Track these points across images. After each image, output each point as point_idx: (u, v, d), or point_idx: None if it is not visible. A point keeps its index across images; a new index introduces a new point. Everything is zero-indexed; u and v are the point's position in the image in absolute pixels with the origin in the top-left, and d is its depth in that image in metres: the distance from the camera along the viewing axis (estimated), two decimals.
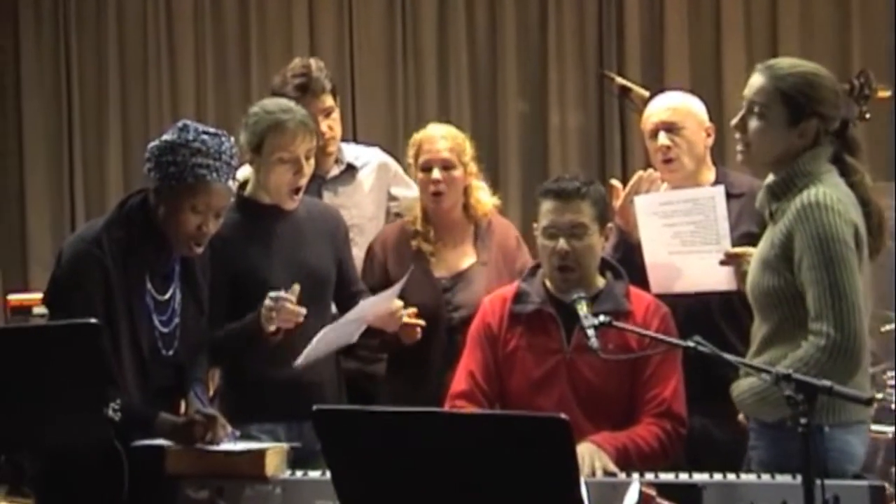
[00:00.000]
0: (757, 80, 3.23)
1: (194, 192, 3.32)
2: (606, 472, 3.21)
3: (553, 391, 3.48)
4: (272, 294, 3.53)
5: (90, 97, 6.68)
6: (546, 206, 3.54)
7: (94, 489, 3.24)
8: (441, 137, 4.07)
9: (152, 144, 3.38)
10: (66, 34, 6.71)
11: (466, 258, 4.05)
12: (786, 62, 3.27)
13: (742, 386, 3.19)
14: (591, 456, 3.26)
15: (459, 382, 3.61)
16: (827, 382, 2.74)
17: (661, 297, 3.68)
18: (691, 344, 3.04)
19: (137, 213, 3.40)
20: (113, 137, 6.64)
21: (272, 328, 3.56)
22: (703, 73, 6.17)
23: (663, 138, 3.92)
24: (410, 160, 4.11)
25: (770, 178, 3.25)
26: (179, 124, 3.40)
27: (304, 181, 3.75)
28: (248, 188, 3.82)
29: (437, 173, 4.01)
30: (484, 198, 4.08)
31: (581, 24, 6.31)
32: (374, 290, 3.93)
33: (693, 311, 3.69)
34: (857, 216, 3.13)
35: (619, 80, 5.22)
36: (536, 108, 6.39)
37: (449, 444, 2.60)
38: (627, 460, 3.33)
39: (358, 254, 4.26)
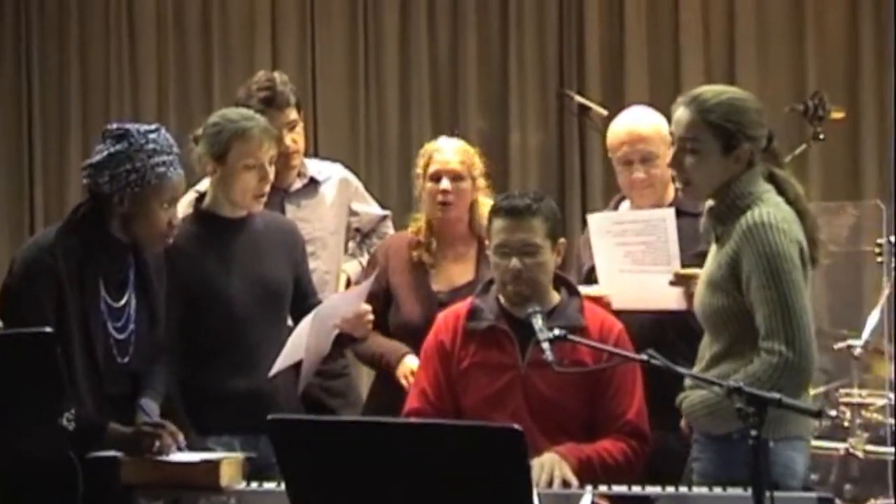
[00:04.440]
0: (683, 114, 3.27)
1: (160, 191, 3.37)
2: (564, 483, 3.23)
3: (508, 407, 3.49)
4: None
5: (51, 110, 6.70)
6: (497, 224, 3.55)
7: (49, 499, 3.22)
8: (452, 149, 4.12)
9: (96, 160, 3.39)
10: (27, 45, 6.74)
11: (467, 274, 4.07)
12: (708, 92, 3.31)
13: (693, 398, 3.24)
14: (552, 465, 3.28)
15: (412, 400, 3.63)
16: (776, 395, 2.80)
17: (619, 313, 3.72)
18: (644, 357, 3.10)
19: (91, 220, 3.41)
20: (73, 152, 6.64)
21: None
22: (662, 92, 6.19)
23: (639, 172, 3.92)
24: (419, 170, 4.12)
25: (710, 202, 3.30)
26: (116, 131, 3.41)
27: (267, 187, 3.78)
28: (206, 200, 3.83)
29: (445, 183, 4.04)
30: None
31: (541, 43, 6.35)
32: (376, 298, 3.98)
33: (647, 327, 3.72)
34: (800, 234, 3.20)
35: (578, 98, 5.27)
36: (497, 127, 6.42)
37: (403, 453, 2.62)
38: (592, 472, 3.35)
39: (320, 266, 4.31)
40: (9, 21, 6.75)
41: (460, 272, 4.07)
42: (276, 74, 4.38)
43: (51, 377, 2.93)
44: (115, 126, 3.45)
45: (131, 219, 3.38)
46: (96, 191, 3.39)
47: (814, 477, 5.04)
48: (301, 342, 3.60)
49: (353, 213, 4.57)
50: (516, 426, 2.56)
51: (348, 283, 4.44)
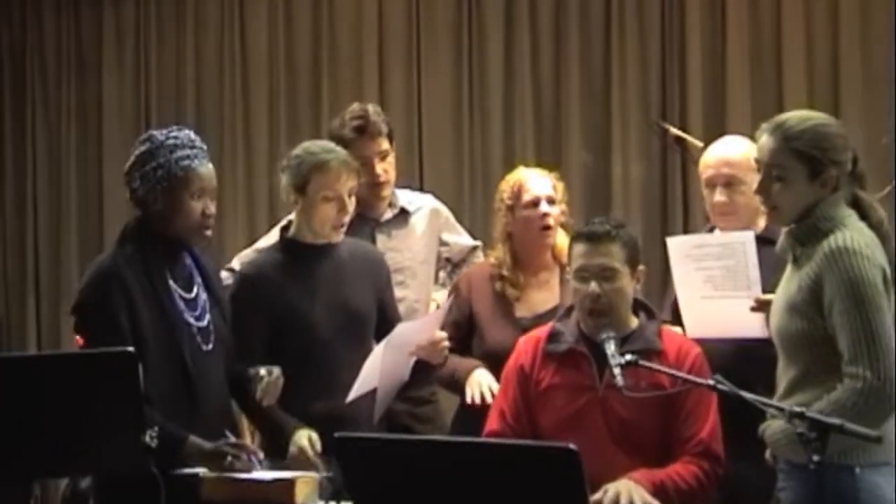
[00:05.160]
0: (768, 142, 3.28)
1: (187, 182, 3.52)
2: None
3: (586, 428, 3.52)
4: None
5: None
6: (577, 249, 3.61)
7: None
8: (542, 175, 4.21)
9: (127, 166, 3.58)
10: (146, 88, 6.94)
11: (550, 301, 4.11)
12: (794, 118, 3.31)
13: (774, 427, 3.22)
14: (629, 491, 3.32)
15: (491, 422, 3.68)
16: (837, 420, 2.80)
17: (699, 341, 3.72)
18: (711, 382, 3.12)
19: (141, 229, 3.56)
20: None
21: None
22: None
23: (720, 195, 3.92)
24: (509, 201, 4.15)
25: (791, 224, 3.29)
26: (143, 138, 3.60)
27: (347, 218, 3.88)
28: (292, 229, 3.95)
29: (545, 207, 4.10)
30: None
31: (644, 74, 6.34)
32: (458, 326, 4.08)
33: (728, 354, 3.70)
34: (882, 259, 3.18)
35: (673, 130, 5.29)
36: (599, 158, 6.44)
37: (463, 472, 2.68)
38: (665, 497, 3.38)
39: (409, 295, 4.38)
40: (129, 63, 6.98)
41: (543, 299, 4.11)
42: (370, 106, 4.48)
43: (132, 395, 3.04)
44: (146, 134, 3.63)
45: (167, 215, 3.53)
46: (135, 198, 3.55)
47: None
48: (375, 369, 3.68)
49: (443, 243, 4.63)
50: (571, 445, 2.61)
51: None
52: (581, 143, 6.45)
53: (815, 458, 2.77)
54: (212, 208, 3.58)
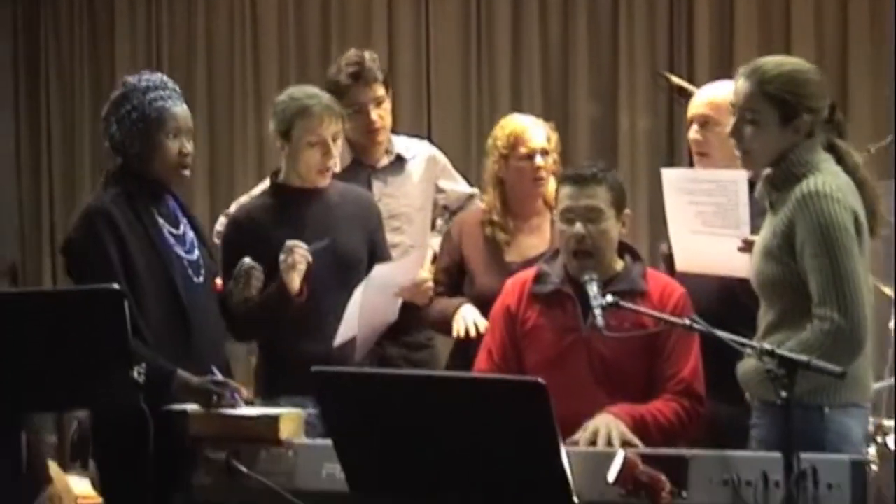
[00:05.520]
0: (743, 86, 3.30)
1: (162, 122, 3.57)
2: (626, 443, 3.29)
3: (570, 368, 3.57)
4: (288, 242, 3.74)
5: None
6: (564, 191, 3.65)
7: (124, 446, 3.40)
8: (538, 126, 4.23)
9: (103, 113, 3.64)
10: (157, 46, 7.03)
11: (541, 246, 4.14)
12: (769, 63, 3.33)
13: (746, 365, 3.25)
14: (608, 428, 3.35)
15: (479, 362, 3.72)
16: (804, 357, 2.84)
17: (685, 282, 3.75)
18: (687, 322, 3.16)
19: (122, 172, 3.62)
20: (199, 131, 6.86)
21: (296, 284, 3.74)
22: None
23: (695, 133, 3.95)
24: (504, 150, 4.19)
25: (768, 169, 3.32)
26: (119, 83, 3.66)
27: (331, 162, 3.92)
28: (281, 174, 4.00)
29: (539, 160, 4.14)
30: None
31: (651, 27, 6.37)
32: (450, 271, 4.15)
33: (714, 293, 3.72)
34: (856, 203, 3.20)
35: (675, 80, 5.31)
36: (606, 111, 6.47)
37: (436, 406, 2.73)
38: (645, 432, 3.41)
39: (405, 241, 4.42)
40: (141, 29, 7.05)
41: (534, 244, 4.15)
42: (367, 52, 4.50)
43: (118, 331, 3.08)
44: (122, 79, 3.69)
45: (145, 156, 3.58)
46: (113, 143, 3.61)
47: None
48: (356, 311, 3.74)
49: (440, 190, 4.66)
50: (539, 380, 2.66)
51: (434, 259, 4.55)
52: (588, 95, 6.47)
53: (784, 394, 2.80)
54: (188, 147, 3.63)
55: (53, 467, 4.41)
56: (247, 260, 3.72)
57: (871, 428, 4.43)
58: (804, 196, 3.16)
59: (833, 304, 3.10)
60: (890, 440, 4.22)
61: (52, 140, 7.18)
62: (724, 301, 3.67)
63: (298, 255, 3.73)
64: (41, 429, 4.27)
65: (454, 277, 4.20)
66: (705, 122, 3.92)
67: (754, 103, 3.27)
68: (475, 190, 4.75)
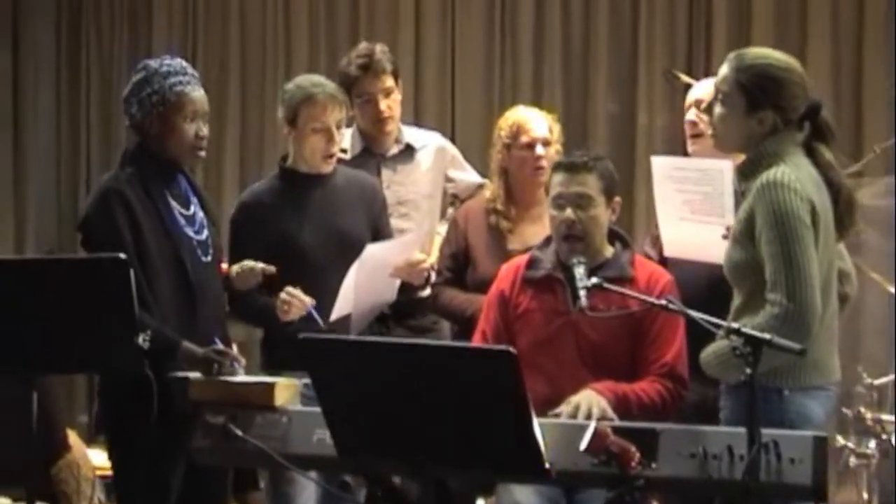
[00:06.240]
0: (723, 68, 3.43)
1: (180, 106, 3.74)
2: (604, 418, 3.41)
3: (559, 350, 3.72)
4: (290, 290, 3.91)
5: (213, 70, 7.10)
6: (556, 178, 3.80)
7: (129, 409, 3.62)
8: (540, 117, 4.39)
9: (125, 94, 3.80)
10: (193, 28, 7.21)
11: (543, 234, 4.21)
12: (752, 53, 3.46)
13: (707, 350, 3.37)
14: (589, 403, 3.49)
15: (473, 343, 3.86)
16: (767, 335, 2.96)
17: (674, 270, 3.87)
18: (663, 302, 3.29)
19: (140, 152, 3.80)
20: (231, 114, 7.08)
21: (288, 319, 3.93)
22: None
23: (691, 114, 4.08)
24: (507, 140, 4.35)
25: (740, 159, 3.44)
26: (139, 66, 3.82)
27: (335, 148, 4.10)
28: (289, 159, 4.18)
29: (541, 150, 4.29)
30: None
31: (671, 24, 6.49)
32: (455, 258, 4.31)
33: (711, 281, 3.83)
34: (815, 194, 3.29)
35: (684, 78, 5.40)
36: (625, 108, 6.59)
37: (414, 373, 2.87)
38: (627, 409, 3.55)
39: (412, 227, 4.56)
40: (177, 10, 7.24)
41: (535, 233, 4.25)
42: (378, 45, 4.66)
43: (124, 298, 3.27)
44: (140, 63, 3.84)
45: (163, 137, 3.75)
46: (133, 123, 3.77)
47: None
48: (350, 290, 3.89)
49: (449, 179, 4.81)
50: (510, 349, 2.80)
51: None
52: (607, 92, 6.60)
53: (748, 371, 2.93)
54: (204, 130, 3.79)
55: (73, 436, 4.57)
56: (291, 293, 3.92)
57: (848, 413, 4.56)
58: (763, 185, 3.27)
59: (783, 289, 3.20)
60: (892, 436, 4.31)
61: (90, 129, 7.38)
62: (712, 288, 3.76)
63: (295, 310, 3.91)
64: (58, 398, 4.40)
65: (460, 264, 4.36)
66: (700, 104, 4.01)
67: (727, 87, 3.39)
68: (484, 180, 4.86)
